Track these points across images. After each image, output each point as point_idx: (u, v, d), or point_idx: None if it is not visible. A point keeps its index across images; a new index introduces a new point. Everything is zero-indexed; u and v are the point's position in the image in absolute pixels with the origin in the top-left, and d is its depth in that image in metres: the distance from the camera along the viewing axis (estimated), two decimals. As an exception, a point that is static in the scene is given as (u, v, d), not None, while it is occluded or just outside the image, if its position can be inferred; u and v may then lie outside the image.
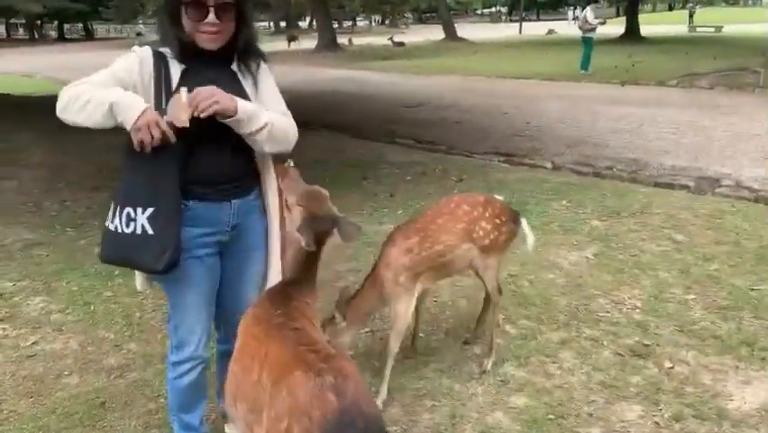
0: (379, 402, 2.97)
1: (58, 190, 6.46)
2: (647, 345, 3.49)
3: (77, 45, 45.91)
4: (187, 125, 1.97)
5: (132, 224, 2.05)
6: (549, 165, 7.79)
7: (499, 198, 3.38)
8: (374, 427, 1.48)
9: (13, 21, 60.54)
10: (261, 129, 2.13)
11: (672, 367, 3.28)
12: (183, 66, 2.13)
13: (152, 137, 1.94)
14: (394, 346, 3.03)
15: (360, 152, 8.63)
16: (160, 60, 2.15)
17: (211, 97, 1.99)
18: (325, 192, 2.07)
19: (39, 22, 59.62)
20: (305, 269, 2.01)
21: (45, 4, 41.62)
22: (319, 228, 1.94)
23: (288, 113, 2.34)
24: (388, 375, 3.02)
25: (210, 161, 2.18)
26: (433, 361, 3.40)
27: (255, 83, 2.29)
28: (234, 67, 2.26)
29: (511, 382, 3.19)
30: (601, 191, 6.42)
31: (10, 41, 54.59)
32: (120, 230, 2.07)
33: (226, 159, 2.22)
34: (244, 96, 2.21)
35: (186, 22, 2.12)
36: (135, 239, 2.06)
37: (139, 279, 2.35)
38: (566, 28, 37.45)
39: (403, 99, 13.83)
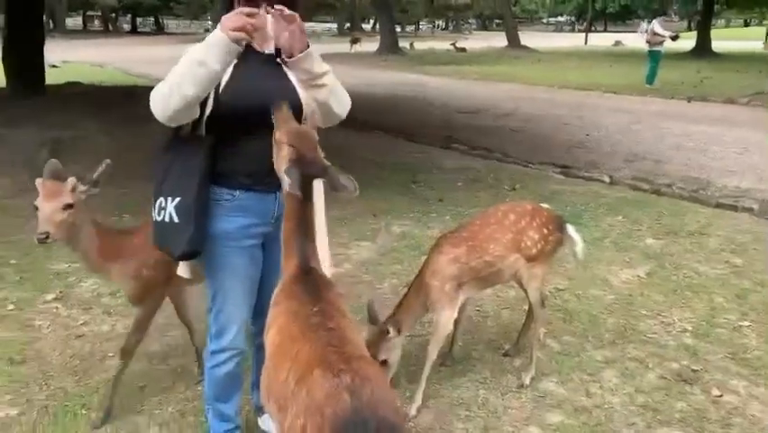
0: (413, 409, 2.95)
1: (119, 178, 6.64)
2: (695, 371, 3.36)
3: (148, 38, 47.34)
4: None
5: (162, 212, 2.19)
6: (606, 179, 7.59)
7: (546, 206, 3.31)
8: (386, 428, 1.46)
9: (90, 13, 63.01)
10: (326, 73, 2.20)
11: (721, 396, 3.15)
12: (234, 60, 2.17)
13: (247, 27, 1.98)
14: (433, 354, 3.01)
15: (413, 156, 8.61)
16: None
17: (293, 20, 2.09)
18: (315, 135, 2.03)
19: (114, 15, 61.91)
20: (303, 227, 1.99)
21: (120, -2, 43.15)
22: (307, 172, 1.90)
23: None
24: (424, 382, 3.00)
25: (256, 152, 2.19)
26: (471, 371, 3.36)
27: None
28: (280, 59, 2.28)
29: (549, 398, 3.11)
30: (659, 209, 6.23)
31: (86, 32, 56.67)
32: (156, 218, 2.21)
33: (271, 151, 2.24)
34: (292, 87, 2.25)
35: None
36: (165, 226, 2.19)
37: (181, 265, 2.42)
38: (634, 40, 36.55)
39: (461, 105, 13.74)
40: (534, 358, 3.25)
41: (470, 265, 2.96)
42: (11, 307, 4.00)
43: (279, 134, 2.01)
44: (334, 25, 64.77)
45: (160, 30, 62.71)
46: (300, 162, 1.91)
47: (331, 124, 2.38)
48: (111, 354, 3.46)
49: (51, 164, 2.46)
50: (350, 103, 2.38)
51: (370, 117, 11.15)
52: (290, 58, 2.14)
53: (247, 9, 2.01)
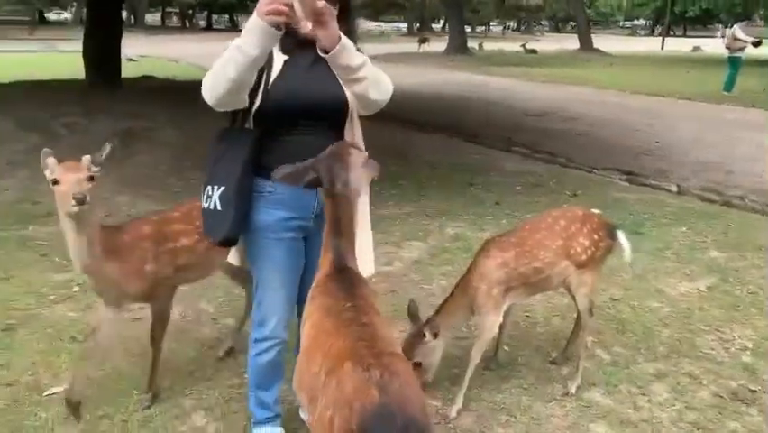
0: (453, 411, 2.94)
1: (183, 168, 6.90)
2: (753, 391, 3.21)
3: (223, 35, 48.43)
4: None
5: (209, 200, 2.29)
6: (674, 188, 7.34)
7: (597, 211, 3.23)
8: (413, 426, 1.46)
9: (168, 10, 65.23)
10: (363, 65, 2.19)
11: (778, 418, 3.01)
12: (285, 56, 2.21)
13: (279, 12, 1.98)
14: (476, 357, 3.00)
15: (472, 157, 8.54)
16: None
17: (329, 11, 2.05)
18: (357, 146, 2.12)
19: (191, 11, 63.85)
20: (337, 225, 2.01)
21: (198, -5, 44.50)
22: (333, 166, 1.97)
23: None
24: (465, 385, 2.98)
25: (299, 147, 2.23)
26: (515, 377, 3.32)
27: None
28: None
29: (594, 409, 3.04)
30: (727, 221, 5.98)
31: (164, 28, 58.63)
32: (203, 206, 2.31)
33: (318, 146, 2.27)
34: (336, 80, 2.28)
35: None
36: (210, 214, 2.29)
37: (231, 253, 2.52)
38: (714, 46, 35.09)
39: (527, 107, 13.54)
40: (581, 367, 3.18)
41: (519, 271, 2.93)
42: (76, 288, 4.19)
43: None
44: (404, 25, 64.88)
45: (234, 26, 64.15)
46: (328, 157, 1.98)
47: (373, 111, 2.38)
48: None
49: (46, 152, 2.45)
50: (391, 88, 2.35)
51: (431, 117, 11.15)
52: (326, 53, 2.14)
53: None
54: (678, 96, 16.13)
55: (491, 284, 2.90)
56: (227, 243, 2.36)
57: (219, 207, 2.27)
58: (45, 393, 3.04)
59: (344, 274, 1.99)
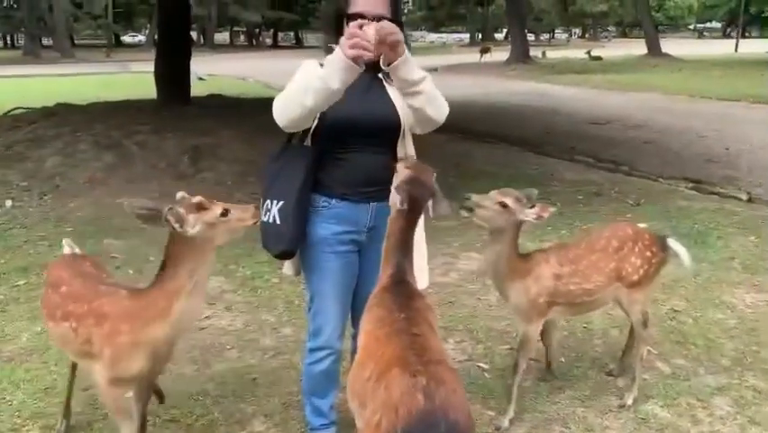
0: (505, 421, 2.96)
1: (248, 184, 7.14)
2: (822, 406, 3.10)
3: (288, 52, 49.74)
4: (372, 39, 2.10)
5: (267, 214, 2.39)
6: (744, 196, 7.09)
7: (644, 225, 3.20)
8: (455, 432, 1.51)
9: (236, 29, 67.32)
10: (423, 80, 2.24)
11: None
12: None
13: (364, 49, 2.07)
14: (522, 365, 2.99)
15: (533, 168, 8.48)
16: None
17: (394, 31, 2.11)
18: (433, 170, 2.17)
19: (257, 30, 65.68)
20: (403, 243, 2.09)
21: (263, 14, 45.88)
22: (416, 192, 2.06)
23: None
24: (515, 394, 2.98)
25: (354, 164, 2.38)
26: (571, 388, 3.30)
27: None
28: (381, 75, 2.41)
29: (652, 421, 3.00)
30: (800, 230, 5.75)
31: (232, 46, 60.52)
32: (262, 219, 2.41)
33: (371, 163, 2.37)
34: (391, 103, 2.37)
35: None
36: (269, 227, 2.40)
37: (286, 264, 2.64)
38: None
39: (591, 115, 13.33)
40: (638, 379, 3.14)
41: (569, 288, 2.90)
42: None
43: (400, 165, 2.21)
44: (466, 35, 64.81)
45: (299, 44, 65.70)
46: (412, 183, 2.08)
47: (428, 130, 2.45)
48: (228, 347, 3.74)
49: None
50: (447, 109, 2.41)
51: (491, 128, 11.14)
52: (388, 65, 2.22)
53: (355, 23, 2.13)
54: (751, 101, 15.57)
55: (540, 292, 2.88)
56: (285, 256, 2.49)
57: (278, 221, 2.38)
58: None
59: (401, 287, 2.07)
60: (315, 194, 2.44)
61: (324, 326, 2.56)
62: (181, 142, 8.38)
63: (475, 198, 2.70)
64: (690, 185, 7.63)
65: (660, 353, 3.62)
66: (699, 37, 73.53)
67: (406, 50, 2.20)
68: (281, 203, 2.38)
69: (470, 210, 2.71)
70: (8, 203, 6.54)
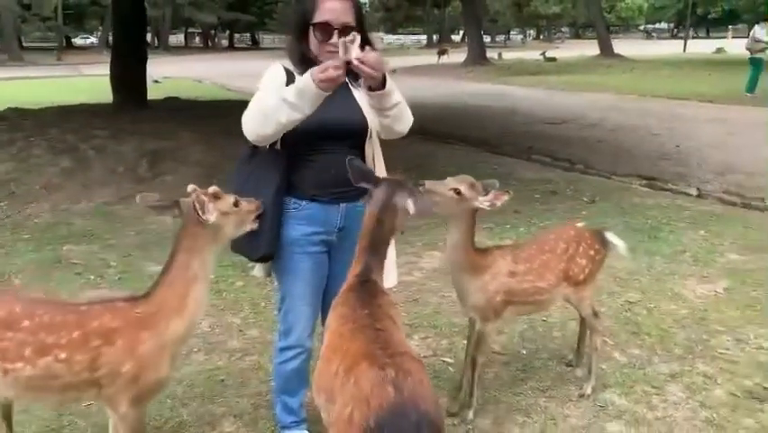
0: (470, 413, 3.04)
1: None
2: (767, 389, 3.27)
3: (245, 54, 49.34)
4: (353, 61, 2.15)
5: None
6: (694, 192, 7.36)
7: (581, 224, 3.32)
8: (426, 422, 1.58)
9: (191, 30, 66.41)
10: (397, 104, 2.35)
11: (793, 415, 3.06)
12: None
13: (337, 74, 2.14)
14: (479, 361, 3.05)
15: (492, 167, 8.63)
16: (288, 75, 2.44)
17: (377, 63, 2.18)
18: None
19: (213, 32, 64.96)
20: (374, 243, 2.15)
21: (219, 16, 45.40)
22: (388, 194, 2.13)
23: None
24: (475, 387, 3.04)
25: (323, 167, 2.44)
26: (532, 379, 3.41)
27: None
28: (348, 77, 2.47)
29: (610, 408, 3.13)
30: (746, 224, 6.01)
31: (187, 48, 59.69)
32: None
33: (341, 165, 2.42)
34: (358, 108, 2.45)
35: (312, 40, 2.38)
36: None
37: (257, 266, 2.69)
38: (738, 47, 34.64)
39: (546, 116, 13.61)
40: (594, 368, 3.27)
41: (524, 287, 2.97)
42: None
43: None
44: (424, 37, 65.26)
45: (255, 45, 65.27)
46: (386, 183, 2.15)
47: (392, 138, 2.55)
48: (196, 350, 3.75)
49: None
50: (411, 120, 2.52)
51: (450, 129, 11.29)
52: (370, 90, 2.29)
53: (333, 63, 2.15)
54: (699, 99, 16.07)
55: (498, 289, 2.92)
56: (265, 259, 2.56)
57: (254, 225, 2.43)
58: (84, 404, 3.20)
59: (365, 286, 2.13)
60: (285, 196, 2.49)
61: (294, 325, 2.61)
62: (139, 145, 8.30)
63: (429, 184, 2.73)
64: (644, 182, 7.88)
65: (616, 343, 3.76)
66: (646, 38, 75.46)
67: (388, 80, 2.28)
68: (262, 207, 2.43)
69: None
70: (-39, 210, 6.39)
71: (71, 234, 5.77)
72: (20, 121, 9.50)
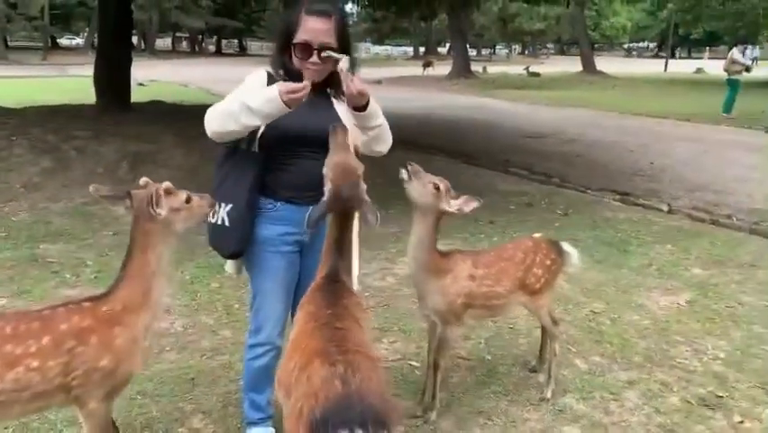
0: (433, 415, 3.13)
1: (189, 189, 7.16)
2: (720, 397, 3.40)
3: (232, 59, 49.30)
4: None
5: (215, 216, 2.54)
6: (665, 208, 7.54)
7: (538, 235, 3.45)
8: (370, 414, 1.65)
9: (178, 35, 66.26)
10: (378, 126, 2.49)
11: (742, 422, 3.19)
12: None
13: (303, 95, 2.30)
14: (441, 365, 3.15)
15: (469, 179, 8.77)
16: (269, 81, 2.56)
17: (361, 87, 2.34)
18: (359, 166, 2.25)
19: (200, 36, 64.89)
20: (338, 245, 2.24)
21: (206, 21, 45.40)
22: (341, 207, 2.21)
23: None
24: (437, 390, 3.15)
25: (298, 170, 2.56)
26: (495, 384, 3.52)
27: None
28: (330, 92, 2.59)
29: (568, 413, 3.24)
30: (713, 239, 6.19)
31: (174, 52, 59.44)
32: (210, 221, 2.57)
33: (317, 170, 2.53)
34: (336, 117, 2.56)
35: (294, 57, 2.51)
36: (217, 228, 2.57)
37: (228, 263, 2.79)
38: (716, 68, 35.29)
39: (526, 130, 13.82)
40: (554, 373, 3.38)
41: (482, 291, 3.06)
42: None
43: (327, 169, 2.27)
44: (411, 49, 65.67)
45: (243, 51, 65.20)
46: (335, 200, 2.21)
47: (371, 155, 2.66)
48: (168, 349, 3.81)
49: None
50: (390, 143, 2.67)
51: (431, 140, 11.43)
52: (353, 109, 2.43)
53: (303, 88, 2.31)
54: (677, 118, 16.39)
55: (459, 292, 3.00)
56: (235, 256, 2.67)
57: (227, 224, 2.55)
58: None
59: (332, 286, 2.21)
60: (261, 196, 2.60)
61: (265, 323, 2.70)
62: (120, 147, 8.33)
63: (416, 167, 2.87)
64: (617, 197, 8.05)
65: (578, 351, 3.88)
66: (626, 56, 76.68)
67: (371, 101, 2.40)
68: (230, 206, 2.54)
69: (409, 176, 2.87)
70: (-62, 207, 6.39)
71: (49, 233, 5.80)
72: (2, 120, 9.47)
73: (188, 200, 2.38)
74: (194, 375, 3.54)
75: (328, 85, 2.61)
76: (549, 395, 3.34)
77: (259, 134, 2.53)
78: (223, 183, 2.58)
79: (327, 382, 1.71)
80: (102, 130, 8.90)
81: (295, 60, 2.53)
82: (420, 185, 2.86)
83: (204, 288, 4.68)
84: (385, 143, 2.65)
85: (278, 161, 2.57)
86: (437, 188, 2.83)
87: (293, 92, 2.28)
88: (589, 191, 8.38)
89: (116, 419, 3.06)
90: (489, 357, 3.78)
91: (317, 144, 2.50)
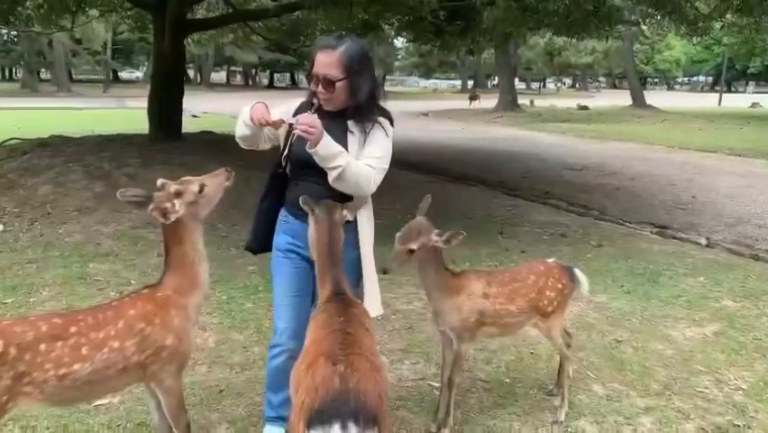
0: (446, 431, 3.23)
1: (230, 216, 7.45)
2: (737, 426, 3.40)
3: (283, 92, 50.55)
4: (275, 126, 2.75)
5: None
6: (703, 241, 7.46)
7: (552, 260, 3.53)
8: (363, 411, 1.82)
9: (233, 69, 68.51)
10: (333, 168, 2.63)
11: (757, 451, 3.19)
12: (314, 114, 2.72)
13: (261, 121, 2.67)
14: (455, 381, 3.26)
15: (506, 209, 8.86)
16: (305, 108, 2.82)
17: (308, 123, 2.54)
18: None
19: (254, 70, 66.89)
20: (330, 257, 2.52)
21: (260, 56, 46.88)
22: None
23: (378, 166, 2.74)
24: (451, 408, 3.24)
25: (305, 189, 2.76)
26: (511, 405, 3.59)
27: (364, 139, 2.78)
28: (349, 123, 2.78)
29: (579, 435, 3.29)
30: (747, 272, 6.11)
31: (229, 86, 61.50)
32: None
33: (319, 189, 2.73)
34: (345, 146, 2.73)
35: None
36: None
37: None
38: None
39: (568, 162, 13.83)
40: (567, 395, 3.44)
41: (496, 308, 3.17)
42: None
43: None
44: (458, 82, 66.23)
45: (294, 84, 66.83)
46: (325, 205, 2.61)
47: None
48: (200, 363, 4.01)
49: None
50: (370, 187, 2.73)
51: (470, 170, 11.57)
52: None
53: (267, 119, 2.67)
54: (727, 152, 16.13)
55: (472, 309, 3.12)
56: (249, 250, 3.13)
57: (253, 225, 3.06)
58: (93, 403, 3.47)
59: (340, 297, 2.43)
60: (282, 208, 2.95)
61: (278, 324, 2.93)
62: (168, 174, 8.48)
63: (390, 259, 2.98)
64: (655, 230, 8.00)
65: (597, 377, 3.92)
66: (668, 89, 75.71)
67: (323, 140, 2.56)
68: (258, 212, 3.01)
69: (385, 272, 2.98)
70: (-1, 228, 6.83)
71: (98, 254, 6.14)
72: (62, 148, 10.03)
73: (201, 189, 2.63)
74: (223, 388, 3.73)
75: (348, 115, 2.79)
76: (562, 418, 3.40)
77: (283, 156, 2.87)
78: (265, 194, 3.01)
79: (327, 379, 1.89)
80: (152, 158, 9.33)
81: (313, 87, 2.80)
82: (398, 261, 2.98)
83: (238, 308, 4.89)
84: (350, 187, 2.69)
85: (293, 179, 2.90)
86: (411, 252, 2.95)
87: (257, 112, 2.68)
88: (626, 224, 8.35)
89: (147, 423, 3.30)
90: (508, 380, 3.86)
91: (320, 169, 2.68)
